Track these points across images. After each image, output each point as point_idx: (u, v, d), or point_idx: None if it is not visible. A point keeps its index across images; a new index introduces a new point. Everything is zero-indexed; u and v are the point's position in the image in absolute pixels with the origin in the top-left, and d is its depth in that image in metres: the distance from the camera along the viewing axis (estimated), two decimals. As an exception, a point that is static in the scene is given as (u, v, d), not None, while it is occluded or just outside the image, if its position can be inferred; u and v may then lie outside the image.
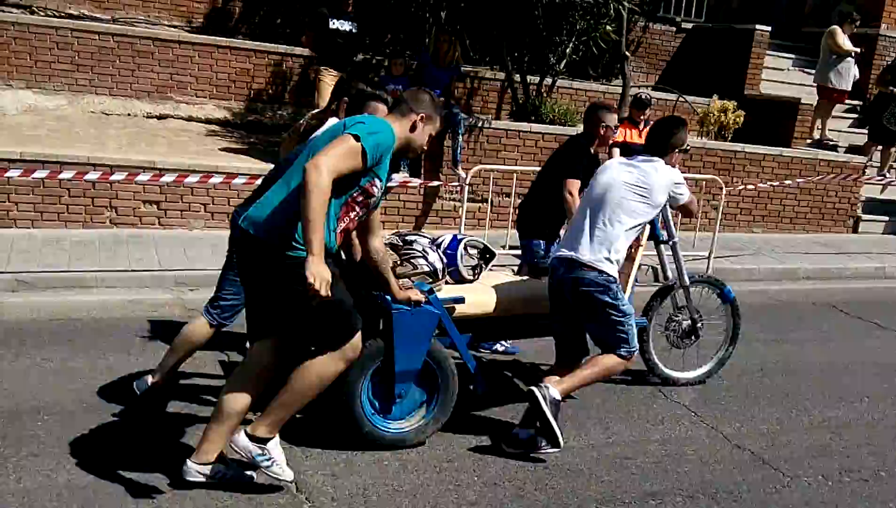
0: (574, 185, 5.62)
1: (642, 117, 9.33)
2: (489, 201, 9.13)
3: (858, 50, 12.45)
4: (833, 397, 5.88)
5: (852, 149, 12.75)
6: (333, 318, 3.70)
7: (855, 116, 13.69)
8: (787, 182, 10.68)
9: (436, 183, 9.26)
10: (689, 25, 14.48)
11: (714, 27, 14.52)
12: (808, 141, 12.49)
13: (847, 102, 13.13)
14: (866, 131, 12.61)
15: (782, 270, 9.41)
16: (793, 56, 14.40)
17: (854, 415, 5.58)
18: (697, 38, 14.33)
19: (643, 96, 9.50)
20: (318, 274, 3.38)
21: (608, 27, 10.76)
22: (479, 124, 9.94)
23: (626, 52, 11.44)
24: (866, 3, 14.17)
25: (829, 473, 4.69)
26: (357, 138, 3.55)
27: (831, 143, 12.70)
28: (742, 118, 11.99)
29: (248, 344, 4.40)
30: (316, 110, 5.42)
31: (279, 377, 3.84)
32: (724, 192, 9.32)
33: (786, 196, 11.25)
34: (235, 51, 10.93)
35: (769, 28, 13.58)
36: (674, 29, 14.32)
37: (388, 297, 4.30)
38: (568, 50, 10.97)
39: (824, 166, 11.42)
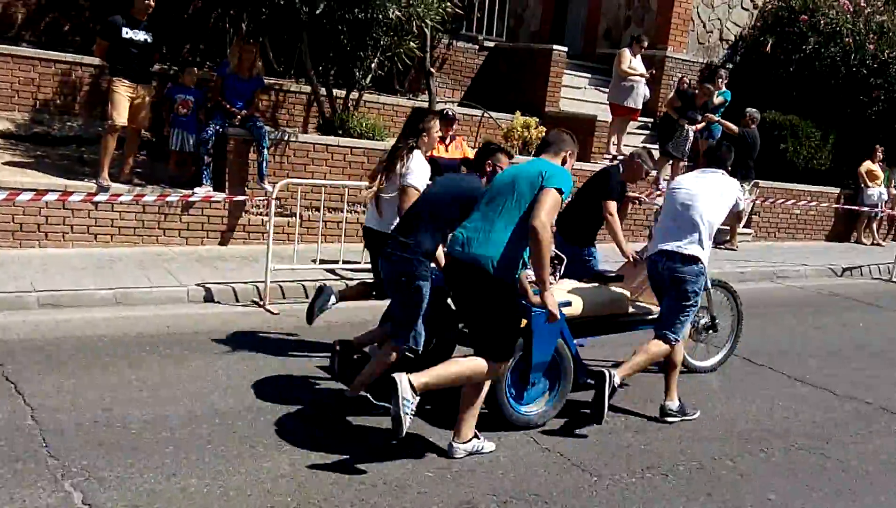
0: (613, 206, 6.82)
1: (449, 133, 9.41)
2: (297, 215, 8.93)
3: (646, 74, 13.14)
4: (637, 398, 6.10)
5: (645, 163, 13.45)
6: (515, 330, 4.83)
7: (647, 132, 14.50)
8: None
9: (241, 198, 8.96)
10: (492, 44, 14.88)
11: (514, 46, 14.99)
12: (606, 156, 13.07)
13: (639, 119, 13.88)
14: (658, 147, 13.35)
15: (585, 278, 9.74)
16: (589, 75, 15.07)
17: (655, 415, 5.78)
18: (500, 56, 14.75)
19: (449, 112, 9.60)
20: (553, 302, 4.71)
21: (412, 44, 10.83)
22: (286, 138, 9.73)
23: (431, 69, 11.57)
24: (656, 26, 15.07)
25: (633, 470, 4.86)
26: (559, 191, 4.57)
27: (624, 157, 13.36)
28: (544, 134, 12.37)
29: None
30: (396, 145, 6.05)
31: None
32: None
33: (586, 208, 11.69)
34: (18, 59, 10.14)
35: (566, 48, 14.15)
36: (476, 47, 14.66)
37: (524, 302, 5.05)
38: (373, 65, 10.96)
39: (620, 179, 11.96)
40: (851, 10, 14.72)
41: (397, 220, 5.60)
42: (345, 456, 4.61)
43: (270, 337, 6.75)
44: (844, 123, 14.83)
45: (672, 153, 12.67)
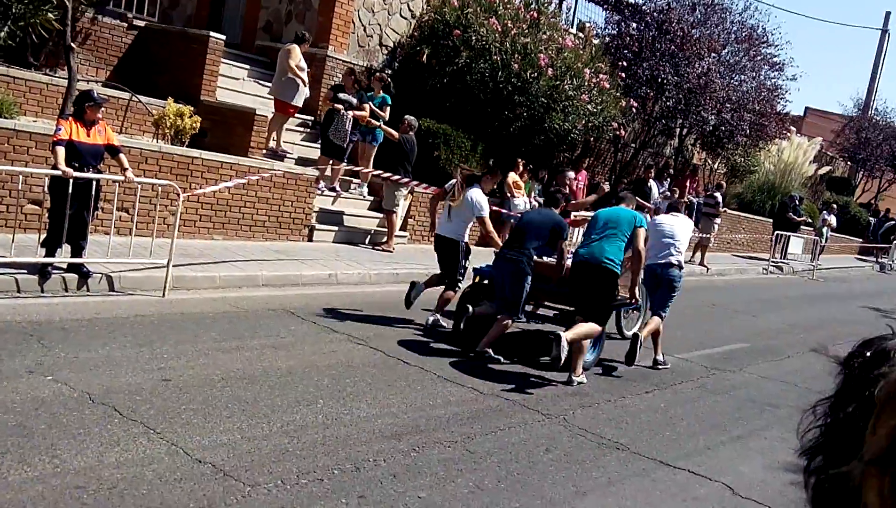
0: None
1: (97, 116, 8.47)
2: None
3: (306, 72, 13.02)
4: (291, 401, 5.89)
5: (304, 161, 13.33)
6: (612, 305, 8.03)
7: (306, 129, 14.38)
8: (235, 182, 10.69)
9: None
10: (142, 24, 13.88)
11: (168, 29, 14.14)
12: (264, 151, 12.74)
13: (299, 116, 13.71)
14: (319, 146, 13.28)
15: (242, 277, 9.37)
16: (248, 67, 14.64)
17: (310, 417, 5.64)
18: (151, 37, 13.81)
19: (95, 94, 8.69)
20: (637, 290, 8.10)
21: (50, 15, 9.75)
22: None
23: (72, 44, 10.47)
24: (317, 25, 14.99)
25: (287, 477, 4.65)
26: (643, 227, 7.75)
27: (286, 153, 13.13)
28: (199, 124, 11.79)
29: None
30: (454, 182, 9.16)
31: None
32: (181, 198, 8.95)
33: (245, 204, 11.28)
34: None
35: (224, 37, 13.60)
36: (125, 25, 13.59)
37: None
38: (2, 34, 9.70)
39: (280, 177, 11.71)
40: (500, 30, 15.69)
41: (467, 231, 8.89)
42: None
43: None
44: (492, 135, 15.78)
45: (332, 140, 12.69)
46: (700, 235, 19.23)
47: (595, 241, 7.58)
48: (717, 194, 20.28)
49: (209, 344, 6.88)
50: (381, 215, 13.44)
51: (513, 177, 15.36)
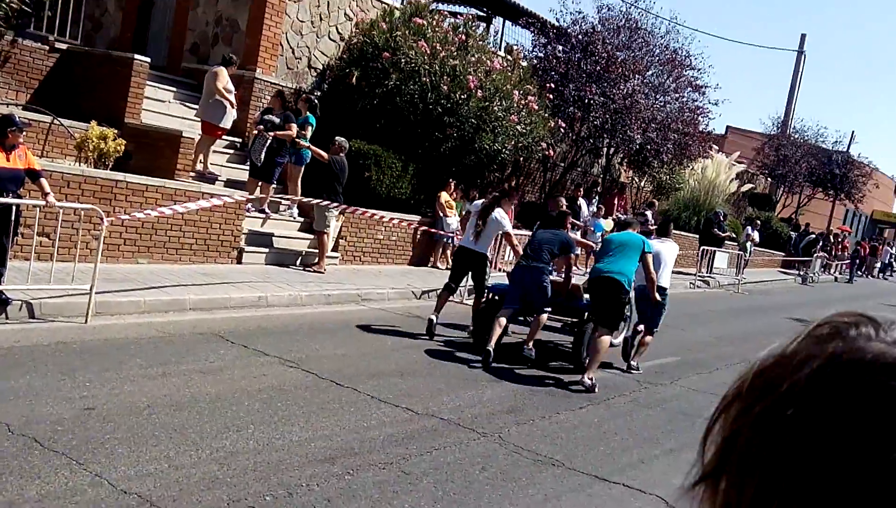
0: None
1: (19, 140, 8.19)
2: None
3: (233, 94, 12.91)
4: (221, 427, 5.75)
5: (232, 183, 13.15)
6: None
7: (233, 151, 14.20)
8: (169, 209, 10.46)
9: None
10: (64, 46, 13.58)
11: (91, 52, 13.86)
12: (192, 173, 12.54)
13: (227, 138, 13.53)
14: (248, 168, 13.13)
15: (169, 301, 9.16)
16: (174, 89, 14.42)
17: (241, 443, 5.51)
18: (75, 60, 13.52)
19: (15, 118, 8.43)
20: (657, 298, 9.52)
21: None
22: None
23: (-8, 66, 10.19)
24: (245, 47, 14.85)
25: (217, 505, 4.53)
26: (650, 254, 9.01)
27: (214, 176, 12.95)
28: (123, 147, 11.54)
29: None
30: (478, 202, 10.59)
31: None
32: (105, 222, 8.72)
33: (171, 227, 11.05)
34: None
35: (149, 59, 13.37)
36: (47, 48, 13.27)
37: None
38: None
39: (208, 199, 11.49)
40: (429, 52, 15.74)
41: (489, 246, 10.37)
42: None
43: None
44: (423, 155, 15.80)
45: (251, 158, 12.63)
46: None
47: (611, 258, 8.85)
48: (648, 213, 20.46)
49: (134, 371, 6.70)
50: (311, 237, 13.30)
51: (445, 197, 15.40)
